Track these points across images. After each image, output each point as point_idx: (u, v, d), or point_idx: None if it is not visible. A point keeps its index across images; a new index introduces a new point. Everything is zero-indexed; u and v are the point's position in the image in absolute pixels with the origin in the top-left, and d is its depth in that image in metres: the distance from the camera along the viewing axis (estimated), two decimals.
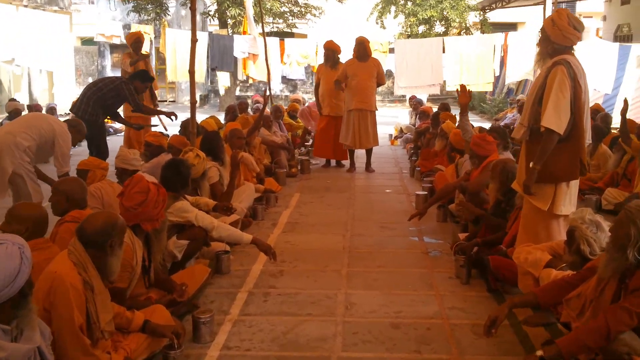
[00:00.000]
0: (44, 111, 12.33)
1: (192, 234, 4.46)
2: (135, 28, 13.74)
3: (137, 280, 3.63)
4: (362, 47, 9.02)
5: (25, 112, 10.93)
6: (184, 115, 8.51)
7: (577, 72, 3.85)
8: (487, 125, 14.67)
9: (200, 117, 11.21)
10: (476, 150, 5.75)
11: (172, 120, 8.03)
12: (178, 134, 7.13)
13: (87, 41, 24.38)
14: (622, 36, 18.01)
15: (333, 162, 9.81)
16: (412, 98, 13.44)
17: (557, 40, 3.91)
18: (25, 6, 15.68)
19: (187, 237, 4.43)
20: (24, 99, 18.43)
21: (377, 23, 22.70)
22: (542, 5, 12.53)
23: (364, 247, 5.52)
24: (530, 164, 3.91)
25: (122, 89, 7.57)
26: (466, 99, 6.51)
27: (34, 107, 10.57)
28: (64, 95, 18.47)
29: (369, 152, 9.39)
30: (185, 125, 7.36)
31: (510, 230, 4.62)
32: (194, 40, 6.51)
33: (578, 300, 3.14)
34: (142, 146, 7.63)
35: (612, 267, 2.89)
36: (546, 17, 11.18)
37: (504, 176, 5.00)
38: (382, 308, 4.20)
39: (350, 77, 8.98)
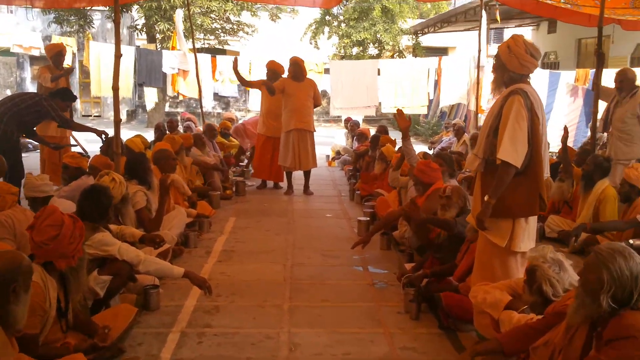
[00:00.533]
0: None
1: (115, 268, 3.95)
2: (56, 40, 12.92)
3: (52, 325, 3.12)
4: (297, 67, 8.73)
5: None
6: (110, 132, 7.92)
7: (535, 102, 3.60)
8: (422, 147, 14.73)
9: (127, 134, 10.62)
10: (420, 177, 5.52)
11: (102, 139, 7.44)
12: (100, 153, 6.53)
13: (4, 52, 23.09)
14: (549, 63, 18.58)
15: (270, 183, 9.41)
16: (349, 120, 13.27)
17: (513, 68, 3.66)
18: None
19: (109, 272, 3.92)
20: None
21: (310, 43, 22.61)
22: (477, 30, 12.67)
23: (306, 279, 5.14)
24: (485, 197, 3.62)
25: (43, 105, 6.89)
26: (406, 122, 6.27)
27: None
28: None
29: (307, 174, 9.06)
30: (108, 145, 6.78)
31: (461, 263, 4.37)
32: (117, 55, 6.03)
33: (546, 349, 2.86)
34: (58, 168, 6.95)
35: (582, 313, 2.62)
36: (482, 42, 11.41)
37: (463, 203, 4.77)
38: (328, 349, 3.82)
39: (287, 97, 8.66)
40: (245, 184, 9.05)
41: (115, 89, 6.21)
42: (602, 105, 7.08)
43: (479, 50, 11.01)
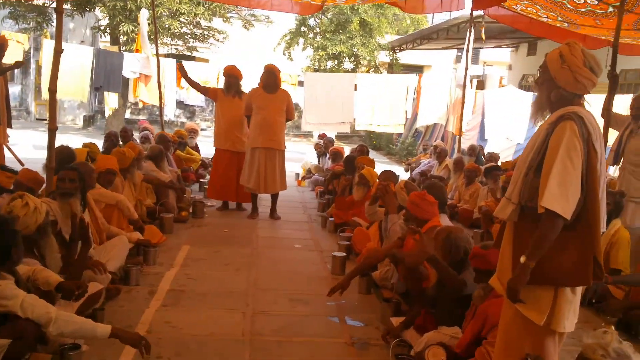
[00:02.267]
0: None
1: (18, 328, 2.92)
2: (7, 36, 11.74)
3: None
4: (271, 77, 7.77)
5: None
6: (66, 139, 6.88)
7: (593, 132, 2.66)
8: (397, 168, 13.93)
9: (82, 141, 9.51)
10: (414, 211, 4.62)
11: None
12: (27, 168, 5.41)
13: None
14: (527, 86, 18.01)
15: (232, 203, 8.42)
16: (323, 136, 12.37)
17: (565, 85, 2.73)
18: None
19: (9, 334, 2.89)
20: None
21: (284, 54, 21.74)
22: (454, 49, 11.98)
23: (269, 334, 4.16)
24: (521, 258, 2.65)
25: None
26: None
27: None
28: None
29: (274, 197, 8.10)
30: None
31: (466, 332, 3.46)
32: (57, 51, 5.02)
33: None
34: None
35: None
36: (468, 59, 10.67)
37: (448, 247, 3.90)
38: None
39: (256, 110, 7.70)
40: (204, 204, 8.04)
41: (52, 90, 5.21)
42: (612, 135, 6.32)
43: (466, 69, 10.27)
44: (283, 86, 8.86)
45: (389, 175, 6.46)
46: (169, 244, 6.30)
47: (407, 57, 23.21)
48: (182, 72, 8.41)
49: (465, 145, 10.86)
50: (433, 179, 7.53)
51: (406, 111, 12.96)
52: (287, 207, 8.78)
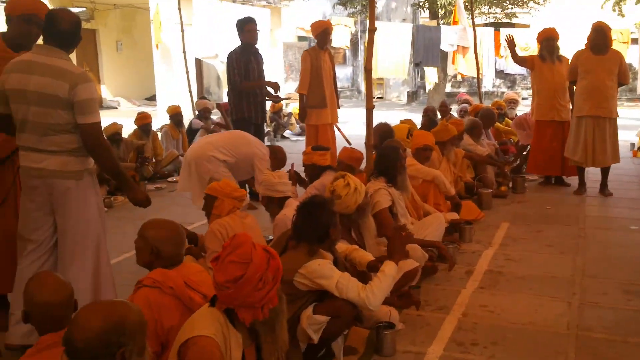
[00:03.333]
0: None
1: (334, 307, 3.04)
2: (334, 21, 12.80)
3: None
4: (601, 36, 6.90)
5: (214, 111, 10.56)
6: (389, 114, 7.22)
7: None
8: None
9: (405, 116, 9.88)
10: None
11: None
12: (347, 147, 5.70)
13: (303, 37, 24.36)
14: None
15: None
16: None
17: None
18: (234, 1, 15.70)
19: (328, 312, 3.03)
20: None
21: (614, 11, 19.35)
22: None
23: (600, 330, 3.67)
24: None
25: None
26: None
27: (223, 106, 10.12)
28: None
29: (605, 170, 7.23)
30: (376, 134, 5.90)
31: None
32: (371, 30, 5.16)
33: None
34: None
35: None
36: None
37: None
38: None
39: (582, 74, 6.94)
40: (524, 179, 7.59)
41: (368, 69, 5.38)
42: None
43: None
44: (614, 45, 7.83)
45: None
46: (488, 221, 6.09)
47: None
48: (510, 45, 8.01)
49: None
50: None
51: None
52: (621, 183, 7.78)
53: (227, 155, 5.35)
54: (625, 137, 9.94)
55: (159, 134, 9.07)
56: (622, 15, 18.99)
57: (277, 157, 5.57)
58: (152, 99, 18.69)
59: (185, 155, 6.04)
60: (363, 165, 5.41)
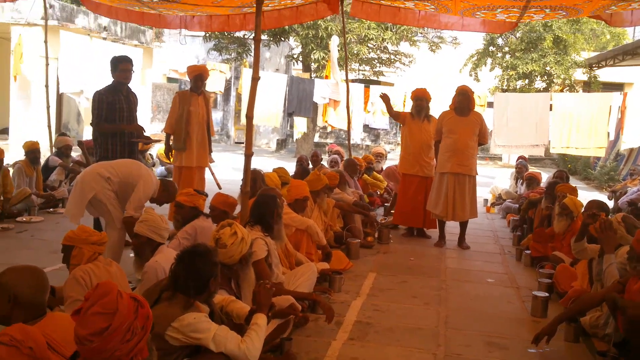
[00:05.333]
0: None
1: None
2: (210, 66, 12.73)
3: None
4: (465, 99, 7.42)
5: (75, 147, 9.96)
6: (259, 161, 7.18)
7: None
8: (597, 195, 12.63)
9: (274, 164, 9.90)
10: None
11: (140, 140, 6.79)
12: (221, 192, 5.58)
13: (173, 79, 23.97)
14: None
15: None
16: (520, 158, 11.56)
17: None
18: (104, 38, 15.15)
19: None
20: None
21: (470, 75, 21.10)
22: None
23: None
24: None
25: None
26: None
27: (85, 143, 9.57)
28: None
29: (463, 224, 7.67)
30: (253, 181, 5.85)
31: None
32: (254, 78, 5.15)
33: None
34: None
35: None
36: None
37: None
38: None
39: (447, 134, 7.39)
40: (389, 231, 7.84)
41: (249, 117, 5.34)
42: None
43: None
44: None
45: (596, 206, 5.70)
46: (356, 271, 6.18)
47: (606, 74, 21.25)
48: (385, 100, 8.36)
49: None
50: None
51: (608, 133, 11.76)
52: (477, 236, 8.29)
53: (111, 174, 5.28)
54: (479, 194, 10.63)
55: (11, 170, 8.34)
56: (478, 80, 20.73)
57: (168, 191, 5.46)
58: (2, 132, 17.36)
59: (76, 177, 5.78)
60: (236, 211, 5.30)
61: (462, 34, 20.55)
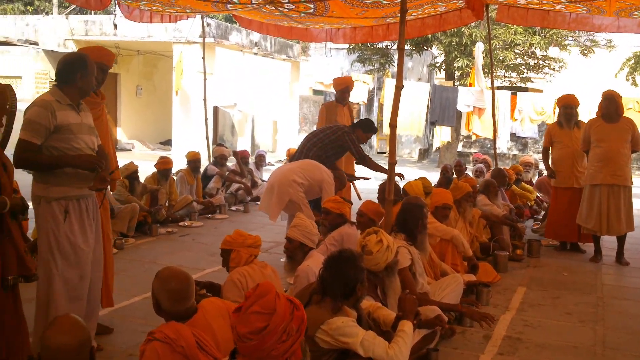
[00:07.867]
0: (252, 158, 12.04)
1: None
2: (353, 77, 13.00)
3: None
4: (612, 104, 6.94)
5: (230, 157, 10.60)
6: (402, 170, 7.19)
7: None
8: None
9: (417, 173, 9.85)
10: None
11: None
12: (372, 200, 5.72)
13: (319, 91, 24.77)
14: None
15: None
16: None
17: None
18: (255, 54, 16.01)
19: None
20: (246, 144, 18.92)
21: (627, 80, 19.63)
22: None
23: None
24: None
25: (345, 139, 6.68)
26: None
27: (239, 153, 10.16)
28: (285, 143, 18.53)
29: (621, 239, 7.15)
30: (382, 189, 5.98)
31: None
32: (398, 86, 5.19)
33: None
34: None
35: None
36: None
37: None
38: None
39: (596, 143, 6.95)
40: (540, 244, 7.50)
41: (393, 125, 5.39)
42: None
43: None
44: (628, 114, 7.85)
45: None
46: (504, 284, 6.00)
47: None
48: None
49: None
50: None
51: None
52: (636, 251, 7.68)
53: (303, 179, 6.09)
54: (636, 205, 9.87)
55: (175, 178, 9.10)
56: (636, 85, 19.25)
57: (340, 180, 6.42)
58: (166, 143, 18.88)
59: (269, 179, 6.51)
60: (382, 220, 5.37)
61: (617, 36, 19.25)
